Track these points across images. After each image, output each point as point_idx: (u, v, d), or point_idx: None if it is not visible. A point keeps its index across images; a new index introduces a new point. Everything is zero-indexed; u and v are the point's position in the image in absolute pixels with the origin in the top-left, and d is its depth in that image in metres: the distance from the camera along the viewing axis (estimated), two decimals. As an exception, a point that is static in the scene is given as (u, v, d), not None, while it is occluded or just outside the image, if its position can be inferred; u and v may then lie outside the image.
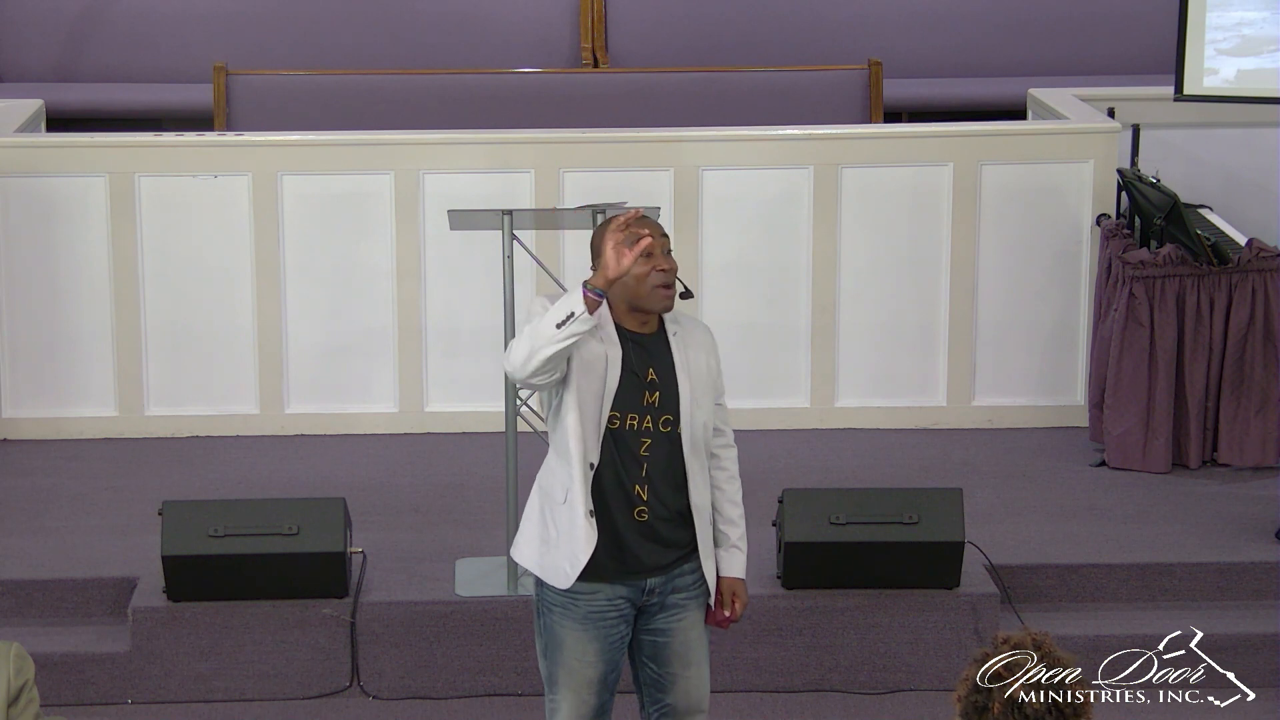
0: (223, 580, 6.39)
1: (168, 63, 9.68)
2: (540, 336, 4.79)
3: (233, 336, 7.88)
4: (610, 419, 4.94)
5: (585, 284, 4.79)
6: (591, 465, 4.94)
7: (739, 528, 5.18)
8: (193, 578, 6.38)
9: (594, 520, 4.95)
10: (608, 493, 4.97)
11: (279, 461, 7.70)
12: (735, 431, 5.23)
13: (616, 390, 4.93)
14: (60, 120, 8.98)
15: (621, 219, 4.91)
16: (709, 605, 5.14)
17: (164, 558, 6.36)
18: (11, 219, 7.79)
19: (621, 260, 4.77)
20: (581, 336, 4.80)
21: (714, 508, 5.14)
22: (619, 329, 4.97)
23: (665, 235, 4.98)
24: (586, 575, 4.98)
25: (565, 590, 5.00)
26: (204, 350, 7.89)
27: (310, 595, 6.44)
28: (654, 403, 4.97)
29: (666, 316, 5.04)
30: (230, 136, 8.00)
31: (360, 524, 6.77)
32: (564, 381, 4.93)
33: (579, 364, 4.91)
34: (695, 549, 5.07)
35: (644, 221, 4.95)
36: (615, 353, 4.94)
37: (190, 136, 7.94)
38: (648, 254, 4.90)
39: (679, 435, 4.99)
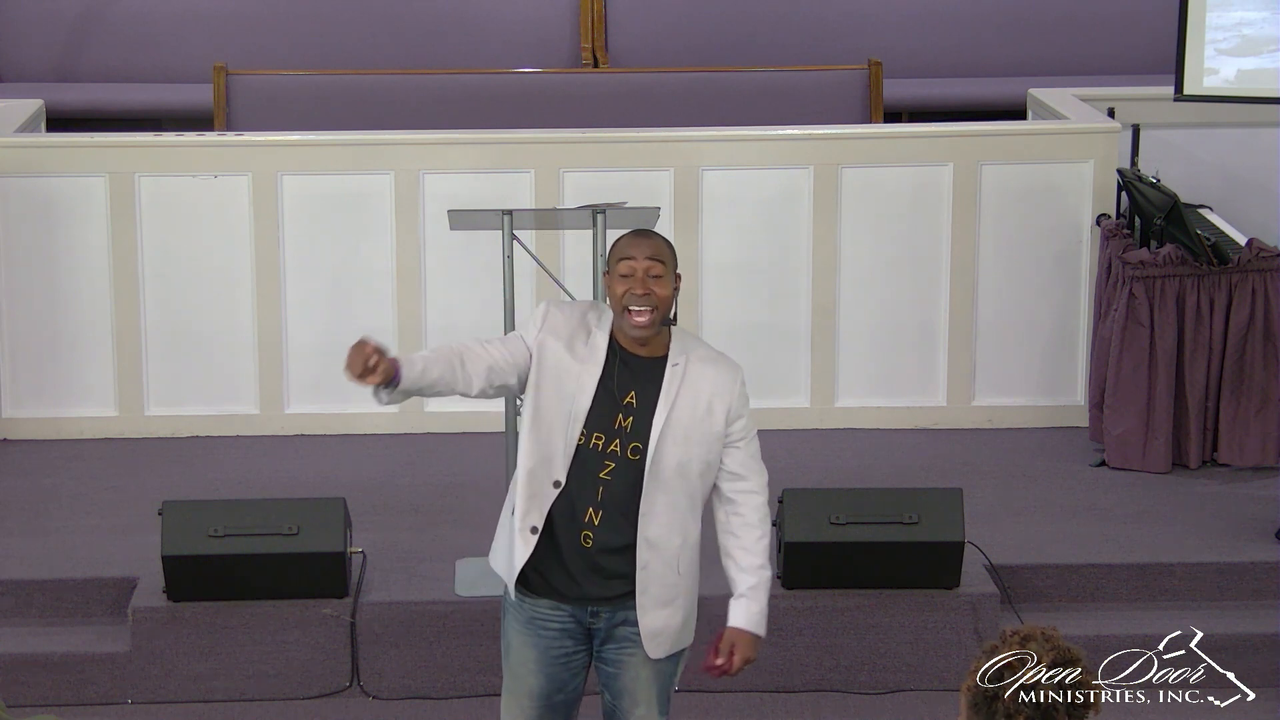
0: (223, 580, 6.39)
1: (168, 63, 9.68)
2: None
3: (233, 336, 7.88)
4: (578, 435, 4.75)
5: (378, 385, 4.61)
6: (557, 484, 4.76)
7: (751, 578, 4.82)
8: (193, 578, 6.37)
9: (533, 537, 4.78)
10: (558, 511, 4.79)
11: (279, 461, 7.69)
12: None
13: (589, 409, 4.74)
14: (60, 120, 8.97)
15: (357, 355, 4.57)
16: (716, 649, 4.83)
17: (164, 558, 6.36)
18: (11, 219, 7.78)
19: (351, 367, 4.53)
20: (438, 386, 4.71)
21: (728, 555, 4.85)
22: (614, 345, 4.81)
23: (657, 259, 4.74)
24: (535, 589, 4.85)
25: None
26: (204, 350, 7.88)
27: (310, 595, 6.44)
28: (625, 427, 4.76)
29: (675, 348, 4.82)
30: (230, 136, 7.99)
31: (360, 524, 6.77)
32: (525, 392, 4.79)
33: (550, 383, 4.76)
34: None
35: (638, 240, 4.76)
36: (592, 373, 4.77)
37: (190, 136, 7.94)
38: (625, 275, 4.72)
39: (644, 465, 4.76)
